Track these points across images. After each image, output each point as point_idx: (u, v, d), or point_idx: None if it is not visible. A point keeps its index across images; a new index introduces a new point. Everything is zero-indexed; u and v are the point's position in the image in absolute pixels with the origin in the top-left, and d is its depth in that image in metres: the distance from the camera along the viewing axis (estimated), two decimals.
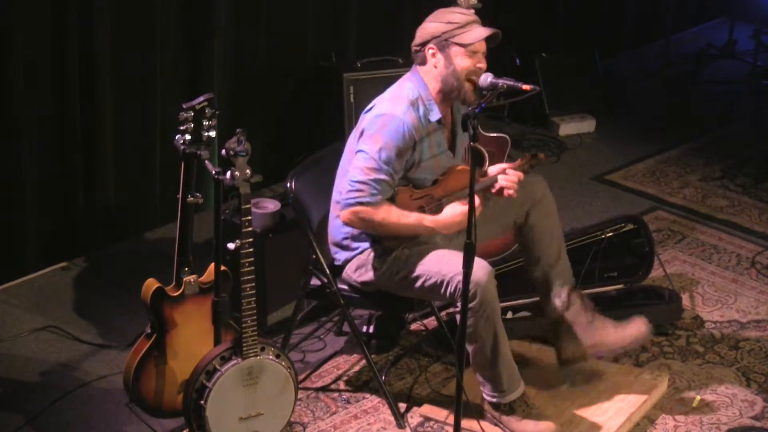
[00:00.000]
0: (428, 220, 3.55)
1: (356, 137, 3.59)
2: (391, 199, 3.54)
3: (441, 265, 3.52)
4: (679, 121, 6.49)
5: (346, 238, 3.67)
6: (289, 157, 4.92)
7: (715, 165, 5.86)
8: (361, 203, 3.49)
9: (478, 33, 3.52)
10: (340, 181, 3.62)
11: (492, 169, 3.69)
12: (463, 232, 3.24)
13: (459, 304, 3.45)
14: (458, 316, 3.46)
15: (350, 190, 3.51)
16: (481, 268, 3.36)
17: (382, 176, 3.49)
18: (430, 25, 3.58)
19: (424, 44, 3.58)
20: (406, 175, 3.59)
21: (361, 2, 5.53)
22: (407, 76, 3.64)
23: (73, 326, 4.20)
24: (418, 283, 3.55)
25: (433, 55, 3.57)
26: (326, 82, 5.13)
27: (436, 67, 3.57)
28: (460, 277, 3.40)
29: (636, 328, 3.76)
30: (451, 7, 3.77)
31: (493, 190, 3.63)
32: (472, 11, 3.63)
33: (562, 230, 3.88)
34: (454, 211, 3.55)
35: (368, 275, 3.64)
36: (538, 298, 3.88)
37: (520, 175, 3.63)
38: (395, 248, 3.60)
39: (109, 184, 4.68)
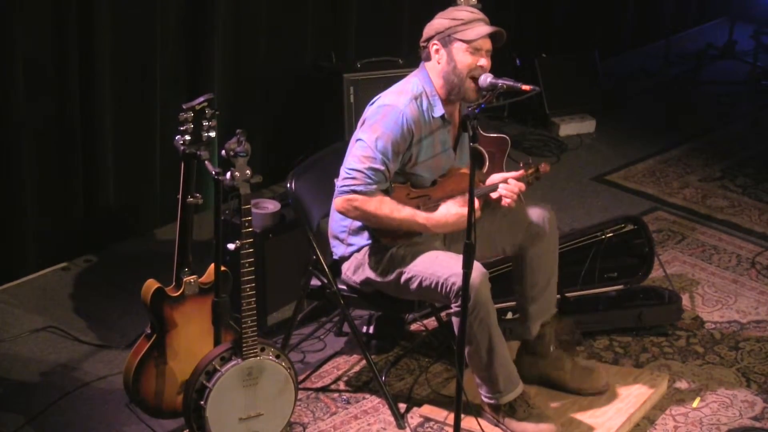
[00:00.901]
0: (421, 216, 3.54)
1: (358, 128, 3.60)
2: (387, 195, 3.54)
3: (435, 267, 3.51)
4: (679, 121, 6.49)
5: (343, 232, 3.67)
6: (289, 157, 4.92)
7: (715, 165, 5.86)
8: (354, 191, 3.49)
9: (481, 30, 3.52)
10: (341, 172, 3.62)
11: (494, 177, 3.69)
12: (461, 237, 3.23)
13: (453, 305, 3.46)
14: (454, 319, 3.47)
15: (345, 178, 3.51)
16: (474, 270, 3.32)
17: (378, 165, 3.48)
18: (436, 21, 3.59)
19: (429, 40, 3.59)
20: (404, 171, 3.59)
21: (361, 2, 5.53)
22: (414, 72, 3.65)
23: (73, 326, 4.20)
24: (414, 284, 3.54)
25: (437, 51, 3.57)
26: (326, 82, 5.12)
27: (439, 63, 3.57)
28: (453, 279, 3.40)
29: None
30: (460, 5, 3.76)
31: (493, 198, 3.63)
32: (481, 12, 3.62)
33: (564, 237, 3.87)
34: (449, 210, 3.54)
35: (365, 274, 3.63)
36: None
37: (522, 186, 3.62)
38: (391, 247, 3.60)
39: (109, 185, 4.67)
